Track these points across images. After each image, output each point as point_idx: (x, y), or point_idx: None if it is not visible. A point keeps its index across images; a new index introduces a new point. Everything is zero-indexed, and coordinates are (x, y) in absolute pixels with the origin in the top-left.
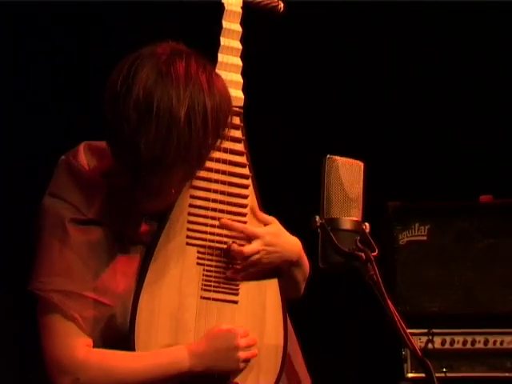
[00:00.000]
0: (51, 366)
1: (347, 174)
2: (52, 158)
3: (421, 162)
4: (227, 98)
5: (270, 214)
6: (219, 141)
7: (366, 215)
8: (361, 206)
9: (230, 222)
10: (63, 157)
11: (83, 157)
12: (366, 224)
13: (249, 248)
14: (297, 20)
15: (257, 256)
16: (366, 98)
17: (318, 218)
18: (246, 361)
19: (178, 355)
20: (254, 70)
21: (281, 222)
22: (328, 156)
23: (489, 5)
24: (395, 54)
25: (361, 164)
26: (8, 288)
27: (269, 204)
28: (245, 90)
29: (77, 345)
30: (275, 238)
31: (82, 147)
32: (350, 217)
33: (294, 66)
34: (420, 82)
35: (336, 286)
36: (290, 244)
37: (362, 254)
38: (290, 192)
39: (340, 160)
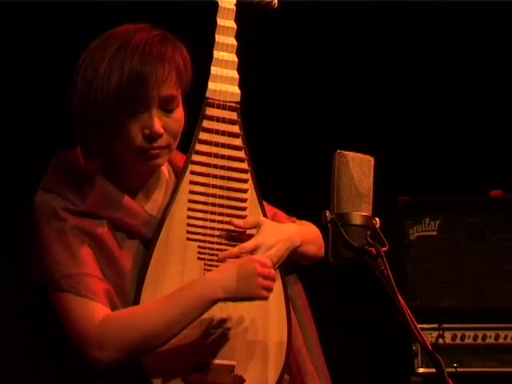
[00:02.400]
0: (79, 342)
1: (357, 169)
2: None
3: (431, 157)
4: (163, 61)
5: (281, 209)
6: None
7: (377, 210)
8: (371, 201)
9: (226, 253)
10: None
11: (80, 155)
12: (377, 219)
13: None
14: (304, 14)
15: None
16: (377, 94)
17: (328, 212)
18: (268, 290)
19: (197, 285)
20: (264, 65)
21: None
22: (338, 151)
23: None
24: (408, 49)
25: (371, 159)
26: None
27: (281, 199)
28: (241, 85)
29: (95, 312)
30: (272, 236)
31: (79, 146)
32: (360, 212)
33: (305, 60)
34: (430, 77)
35: (347, 280)
36: (287, 232)
37: (373, 249)
38: (301, 187)
39: (350, 155)
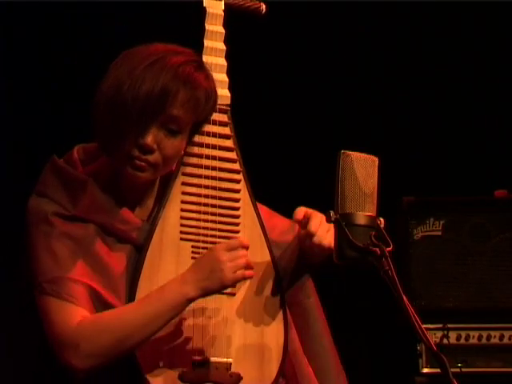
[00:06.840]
0: (55, 344)
1: (361, 169)
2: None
3: (435, 157)
4: (187, 84)
5: (285, 209)
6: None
7: (381, 210)
8: (375, 201)
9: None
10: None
11: (77, 158)
12: (381, 219)
13: None
14: (304, 14)
15: None
16: (381, 93)
17: (332, 213)
18: (244, 268)
19: (168, 288)
20: (266, 65)
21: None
22: (342, 151)
23: None
24: (410, 49)
25: (375, 159)
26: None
27: (282, 200)
28: (231, 88)
29: (71, 316)
30: None
31: (75, 150)
32: (364, 212)
33: (308, 60)
34: (434, 77)
35: (351, 279)
36: None
37: (377, 249)
38: (302, 188)
39: (354, 155)
